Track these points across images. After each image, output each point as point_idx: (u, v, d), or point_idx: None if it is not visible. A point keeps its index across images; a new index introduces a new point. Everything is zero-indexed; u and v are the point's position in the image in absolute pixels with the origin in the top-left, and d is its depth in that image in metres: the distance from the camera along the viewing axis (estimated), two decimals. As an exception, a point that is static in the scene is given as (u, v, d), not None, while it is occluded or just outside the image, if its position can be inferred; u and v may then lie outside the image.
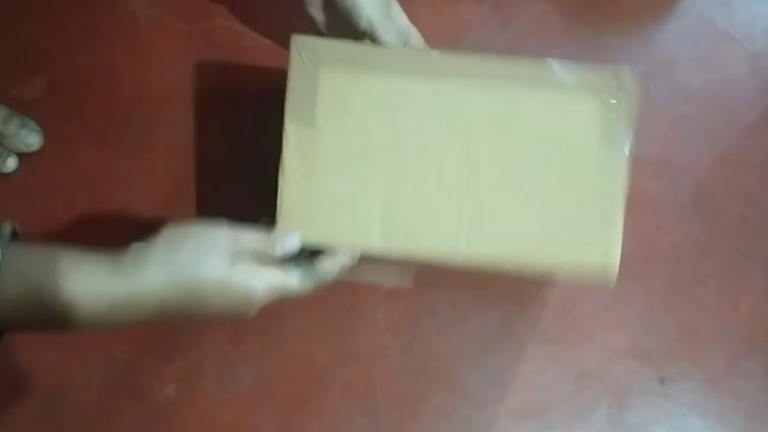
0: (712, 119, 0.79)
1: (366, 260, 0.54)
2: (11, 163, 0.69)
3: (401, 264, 0.60)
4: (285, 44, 0.54)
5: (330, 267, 0.53)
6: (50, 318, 0.44)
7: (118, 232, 0.66)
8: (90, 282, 0.45)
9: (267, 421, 0.58)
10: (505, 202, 0.55)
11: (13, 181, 0.69)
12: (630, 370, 0.63)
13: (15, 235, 0.48)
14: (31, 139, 0.69)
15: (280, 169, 0.54)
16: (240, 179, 0.69)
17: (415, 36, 0.59)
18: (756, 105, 0.80)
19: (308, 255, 0.53)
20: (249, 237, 0.51)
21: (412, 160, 0.54)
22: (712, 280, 0.69)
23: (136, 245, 0.48)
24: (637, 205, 0.73)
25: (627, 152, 0.57)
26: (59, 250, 0.46)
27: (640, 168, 0.75)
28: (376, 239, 0.54)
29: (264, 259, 0.51)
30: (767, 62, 0.83)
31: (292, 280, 0.51)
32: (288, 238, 0.52)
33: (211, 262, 0.48)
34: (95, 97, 0.73)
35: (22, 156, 0.69)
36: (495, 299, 0.65)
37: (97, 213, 0.67)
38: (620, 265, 0.69)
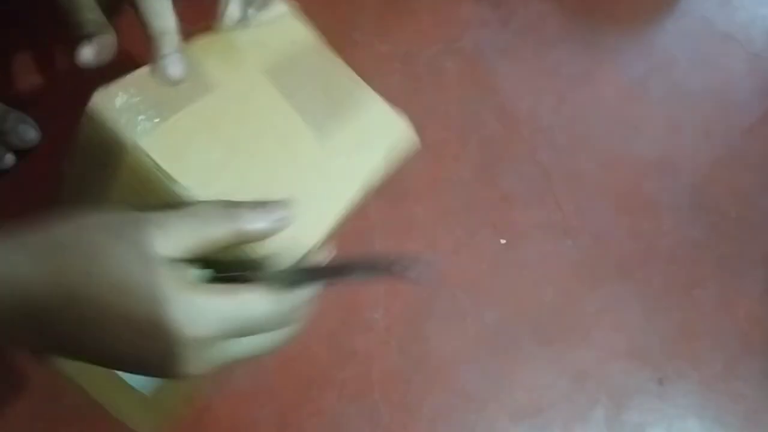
0: (711, 120, 0.79)
1: None
2: (9, 159, 0.68)
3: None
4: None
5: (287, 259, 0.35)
6: None
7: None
8: None
9: (265, 421, 0.58)
10: None
11: (11, 178, 0.68)
12: (628, 370, 0.63)
13: None
14: (29, 135, 0.69)
15: None
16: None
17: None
18: (755, 106, 0.80)
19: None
20: (184, 219, 0.33)
21: None
22: (710, 280, 0.69)
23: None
24: (635, 205, 0.74)
25: None
26: None
27: (639, 168, 0.76)
28: None
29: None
30: (767, 63, 0.83)
31: (256, 298, 0.32)
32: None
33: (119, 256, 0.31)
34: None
35: (19, 153, 0.69)
36: (494, 299, 0.65)
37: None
38: (618, 265, 0.69)
